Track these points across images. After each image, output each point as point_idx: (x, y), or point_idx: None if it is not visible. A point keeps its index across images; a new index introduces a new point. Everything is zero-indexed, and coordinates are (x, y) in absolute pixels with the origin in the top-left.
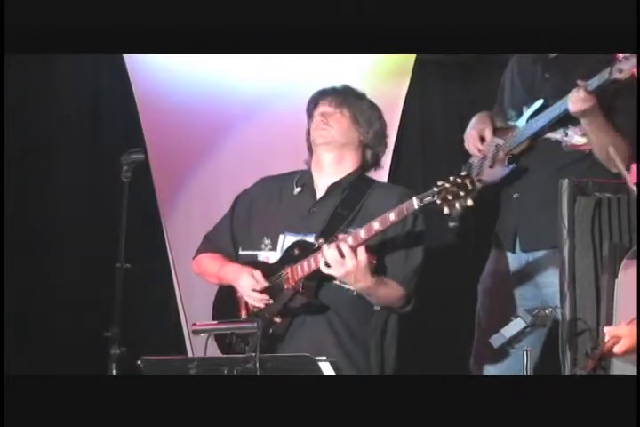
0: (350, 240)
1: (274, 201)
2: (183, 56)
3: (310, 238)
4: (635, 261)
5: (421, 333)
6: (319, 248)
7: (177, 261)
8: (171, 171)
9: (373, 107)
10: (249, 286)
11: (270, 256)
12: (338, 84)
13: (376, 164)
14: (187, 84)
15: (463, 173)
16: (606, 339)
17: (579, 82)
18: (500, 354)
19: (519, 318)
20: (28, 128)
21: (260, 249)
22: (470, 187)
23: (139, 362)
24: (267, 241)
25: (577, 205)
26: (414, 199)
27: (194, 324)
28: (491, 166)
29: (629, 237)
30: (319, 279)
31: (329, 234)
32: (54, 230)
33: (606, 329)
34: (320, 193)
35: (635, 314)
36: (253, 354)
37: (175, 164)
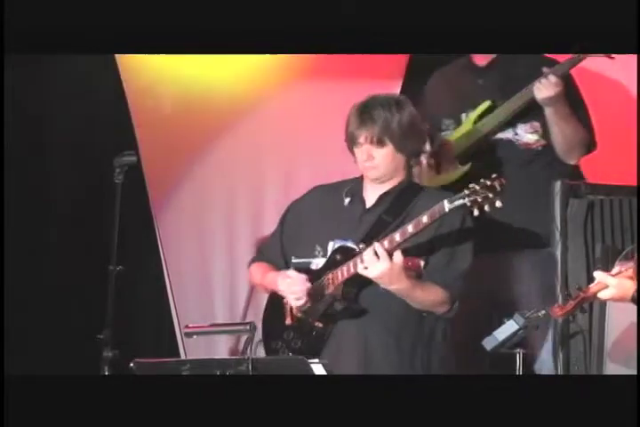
0: (386, 243)
1: (326, 210)
2: (177, 56)
3: (354, 244)
4: (628, 263)
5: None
6: (360, 253)
7: (169, 264)
8: (163, 173)
9: (403, 113)
10: (287, 284)
11: (321, 263)
12: (337, 85)
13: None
14: (180, 84)
15: (493, 176)
16: (595, 283)
17: (544, 69)
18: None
19: (512, 321)
20: (26, 128)
21: (314, 256)
22: (499, 189)
23: (131, 365)
24: (318, 248)
25: (569, 207)
26: (445, 202)
27: (186, 326)
28: (438, 173)
29: (622, 239)
30: (360, 284)
31: (370, 239)
32: (47, 232)
33: (596, 273)
34: (370, 202)
35: (627, 316)
36: (246, 357)
37: (168, 166)
